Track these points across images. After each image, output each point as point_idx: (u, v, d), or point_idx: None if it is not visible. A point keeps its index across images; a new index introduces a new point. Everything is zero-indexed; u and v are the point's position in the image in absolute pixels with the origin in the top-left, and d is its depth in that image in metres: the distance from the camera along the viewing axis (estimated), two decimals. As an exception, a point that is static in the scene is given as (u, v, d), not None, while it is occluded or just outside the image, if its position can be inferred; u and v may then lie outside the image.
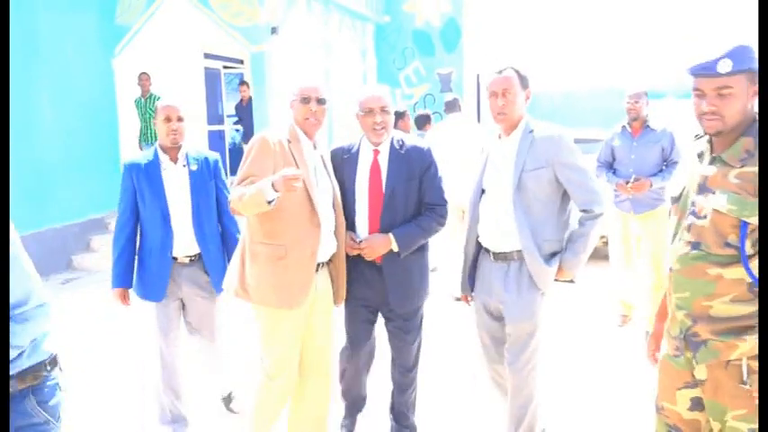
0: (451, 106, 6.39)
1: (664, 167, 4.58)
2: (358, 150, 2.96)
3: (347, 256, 2.95)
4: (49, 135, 7.36)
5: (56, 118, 7.45)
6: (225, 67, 11.54)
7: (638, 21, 12.80)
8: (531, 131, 2.73)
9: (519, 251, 2.72)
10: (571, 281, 2.80)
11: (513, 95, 2.69)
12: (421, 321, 3.11)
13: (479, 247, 2.90)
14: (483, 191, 2.86)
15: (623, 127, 4.74)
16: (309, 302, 2.81)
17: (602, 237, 5.42)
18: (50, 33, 7.38)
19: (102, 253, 7.46)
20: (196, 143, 10.02)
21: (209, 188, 3.28)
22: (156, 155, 3.22)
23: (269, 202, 2.54)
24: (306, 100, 2.82)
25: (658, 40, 12.50)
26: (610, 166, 4.82)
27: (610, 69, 12.78)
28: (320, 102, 2.84)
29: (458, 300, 5.26)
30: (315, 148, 2.91)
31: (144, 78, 8.27)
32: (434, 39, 13.21)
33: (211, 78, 11.13)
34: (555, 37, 13.47)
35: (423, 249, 3.01)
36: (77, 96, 7.83)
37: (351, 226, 2.95)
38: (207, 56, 10.91)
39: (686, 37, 11.82)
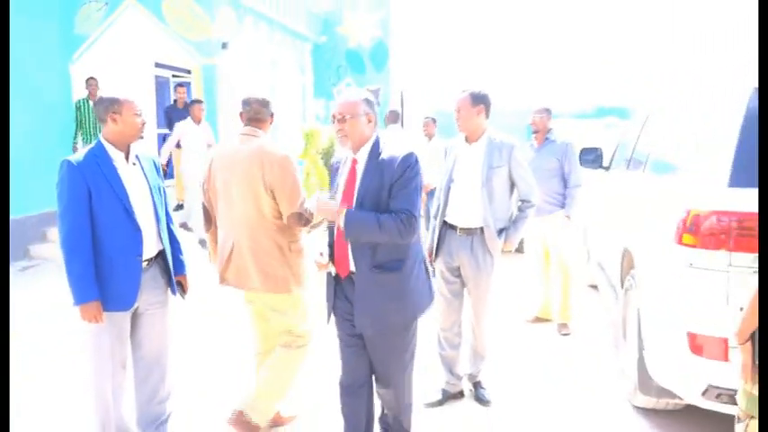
0: (393, 118, 6.81)
1: (565, 189, 4.63)
2: (346, 161, 2.67)
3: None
4: (11, 134, 7.19)
5: (17, 118, 7.29)
6: (174, 76, 11.47)
7: (556, 45, 13.47)
8: (494, 139, 3.40)
9: (480, 227, 3.37)
10: (518, 251, 3.48)
11: (465, 111, 3.37)
12: (405, 344, 2.65)
13: (444, 223, 3.49)
14: (451, 182, 3.46)
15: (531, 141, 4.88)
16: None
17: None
18: (15, 40, 7.23)
19: (58, 243, 7.35)
20: (149, 145, 9.87)
21: (160, 186, 2.92)
22: (105, 151, 2.73)
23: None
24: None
25: (577, 64, 13.17)
26: None
27: (523, 91, 13.44)
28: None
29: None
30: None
31: (92, 83, 8.15)
32: (365, 58, 13.53)
33: (161, 86, 11.05)
34: (471, 61, 14.05)
35: (403, 267, 2.55)
36: (37, 99, 7.69)
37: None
38: (157, 65, 10.83)
39: (604, 62, 12.52)
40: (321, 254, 2.59)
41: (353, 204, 2.52)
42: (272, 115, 3.05)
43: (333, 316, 2.70)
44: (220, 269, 3.05)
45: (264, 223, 2.90)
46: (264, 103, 3.03)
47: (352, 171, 2.59)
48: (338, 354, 2.75)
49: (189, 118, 7.81)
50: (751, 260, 2.56)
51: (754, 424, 1.99)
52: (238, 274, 3.00)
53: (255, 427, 3.00)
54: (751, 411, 1.99)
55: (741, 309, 1.98)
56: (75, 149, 8.11)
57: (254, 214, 2.90)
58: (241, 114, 3.04)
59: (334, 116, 2.57)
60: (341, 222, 2.45)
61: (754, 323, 1.92)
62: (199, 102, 7.91)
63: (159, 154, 8.25)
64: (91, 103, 8.19)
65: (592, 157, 5.04)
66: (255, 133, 2.99)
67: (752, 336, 1.94)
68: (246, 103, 3.02)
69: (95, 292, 2.65)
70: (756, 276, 1.94)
